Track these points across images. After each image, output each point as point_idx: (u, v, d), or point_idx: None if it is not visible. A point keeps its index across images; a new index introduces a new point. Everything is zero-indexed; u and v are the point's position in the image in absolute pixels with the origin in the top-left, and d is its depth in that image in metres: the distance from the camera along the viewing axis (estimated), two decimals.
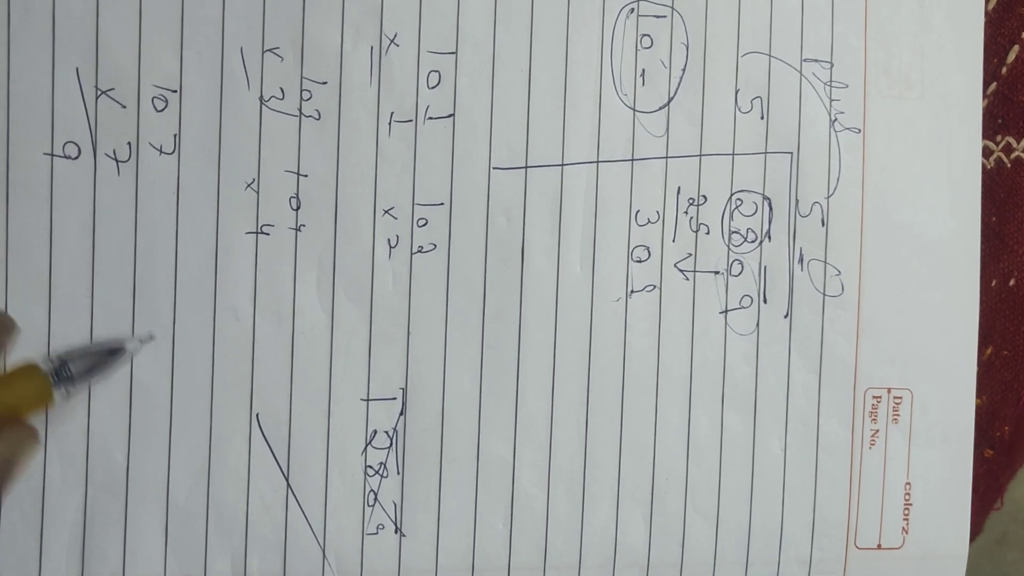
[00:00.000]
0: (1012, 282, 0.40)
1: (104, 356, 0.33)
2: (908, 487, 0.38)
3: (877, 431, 0.38)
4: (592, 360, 0.37)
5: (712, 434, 0.38)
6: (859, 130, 0.38)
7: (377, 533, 0.36)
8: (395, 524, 0.37)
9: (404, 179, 0.36)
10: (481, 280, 0.36)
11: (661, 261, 0.37)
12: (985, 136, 0.39)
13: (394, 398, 0.36)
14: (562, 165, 0.37)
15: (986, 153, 0.40)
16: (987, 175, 0.39)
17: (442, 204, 0.36)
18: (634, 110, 0.37)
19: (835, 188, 0.38)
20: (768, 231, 0.38)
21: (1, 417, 0.30)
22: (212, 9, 0.35)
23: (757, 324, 0.38)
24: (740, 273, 0.38)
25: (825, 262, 0.38)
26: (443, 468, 0.37)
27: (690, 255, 0.37)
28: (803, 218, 0.38)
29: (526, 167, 0.36)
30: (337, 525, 0.36)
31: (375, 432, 0.36)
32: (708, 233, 0.37)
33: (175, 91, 0.35)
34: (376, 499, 0.36)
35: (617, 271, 0.37)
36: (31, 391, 0.31)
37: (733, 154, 0.37)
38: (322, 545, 0.36)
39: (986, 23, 0.38)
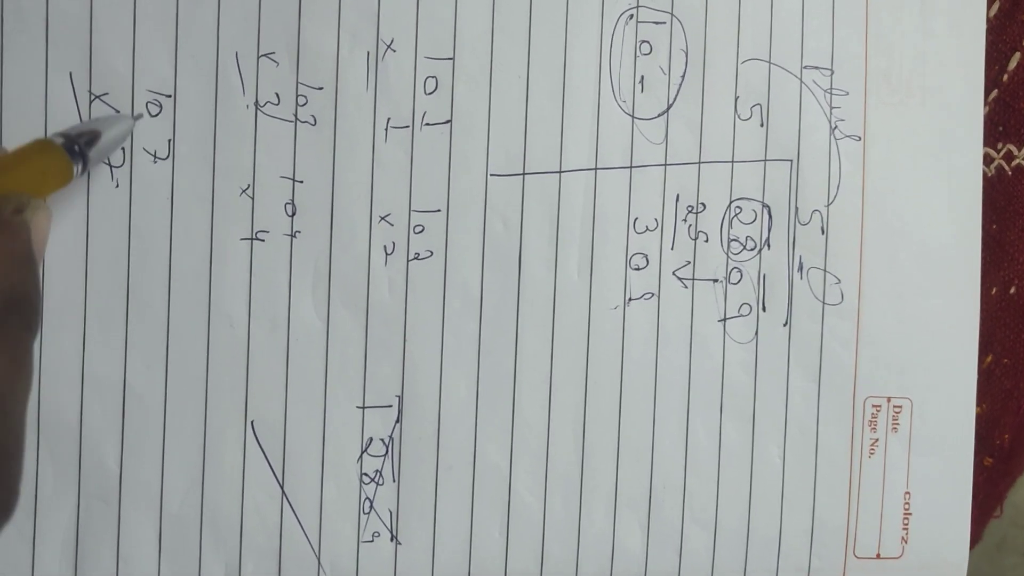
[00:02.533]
0: (1013, 290, 0.40)
1: (106, 126, 0.33)
2: (908, 496, 0.38)
3: (876, 440, 0.38)
4: (589, 368, 0.37)
5: (710, 442, 0.37)
6: (859, 138, 0.37)
7: (372, 541, 0.36)
8: (391, 532, 0.36)
9: (400, 185, 0.36)
10: (478, 287, 0.36)
11: (659, 269, 0.37)
12: (986, 143, 0.39)
13: (390, 405, 0.36)
14: (560, 172, 0.36)
15: (987, 160, 0.39)
16: (988, 183, 0.39)
17: (439, 211, 0.36)
18: (633, 117, 0.37)
19: (835, 196, 0.37)
20: (767, 239, 0.37)
21: (20, 193, 0.28)
22: (207, 13, 0.35)
23: (756, 332, 0.37)
24: (739, 281, 0.37)
25: (825, 270, 0.38)
26: (439, 476, 0.36)
27: (689, 263, 0.37)
28: (803, 226, 0.37)
29: (524, 174, 0.36)
30: (332, 533, 0.36)
31: (371, 439, 0.36)
32: (707, 241, 0.37)
33: (169, 96, 0.35)
34: (372, 507, 0.36)
35: (615, 279, 0.37)
36: (49, 163, 0.30)
37: (732, 161, 0.37)
38: (317, 553, 0.36)
39: (987, 30, 0.38)
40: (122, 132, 0.34)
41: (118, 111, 0.34)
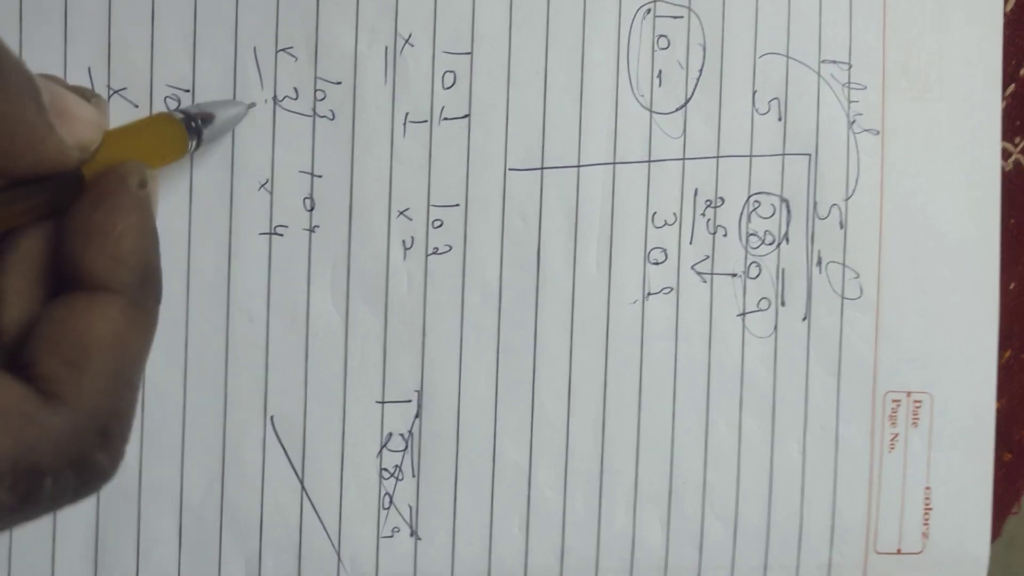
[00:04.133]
0: None
1: (221, 110, 0.33)
2: (928, 491, 0.38)
3: (897, 435, 0.38)
4: (608, 363, 0.37)
5: (730, 437, 0.37)
6: (878, 131, 0.37)
7: (392, 536, 0.36)
8: (410, 527, 0.36)
9: (419, 180, 0.36)
10: (497, 282, 0.36)
11: (678, 263, 0.37)
12: (1003, 138, 0.39)
13: (409, 401, 0.36)
14: (578, 166, 0.36)
15: (1004, 155, 0.39)
16: (1005, 177, 0.39)
17: (457, 205, 0.36)
18: (651, 111, 0.37)
19: (853, 190, 0.37)
20: (786, 233, 0.37)
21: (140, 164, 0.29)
22: (225, 8, 0.35)
23: (775, 327, 0.37)
24: (758, 276, 0.37)
25: (843, 264, 0.37)
26: (459, 471, 0.36)
27: (707, 257, 0.37)
28: (821, 220, 0.37)
29: (542, 168, 0.36)
30: (352, 528, 0.36)
31: (390, 435, 0.36)
32: (725, 235, 0.37)
33: (188, 91, 0.35)
34: (391, 502, 0.36)
35: (634, 273, 0.37)
36: (167, 137, 0.30)
37: (751, 156, 0.37)
38: (337, 548, 0.36)
39: (1004, 24, 0.38)
40: (235, 116, 0.34)
41: (137, 106, 0.34)
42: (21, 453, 0.20)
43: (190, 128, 0.31)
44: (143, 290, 0.23)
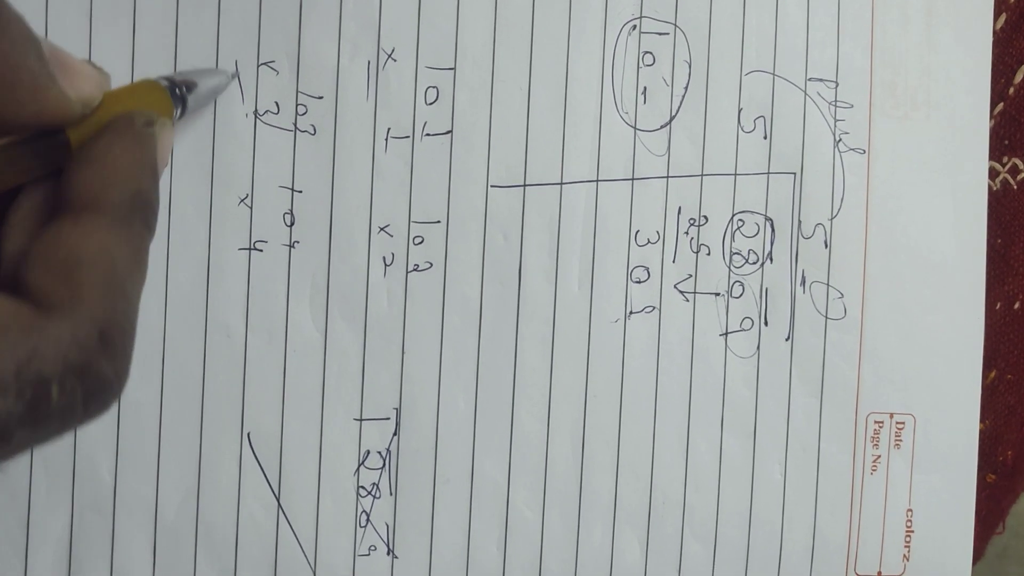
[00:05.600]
0: (1017, 305, 0.40)
1: (205, 78, 0.33)
2: (910, 513, 0.38)
3: (879, 456, 0.38)
4: (589, 382, 0.37)
5: (711, 457, 0.37)
6: (864, 151, 0.37)
7: (369, 555, 0.36)
8: (387, 545, 0.36)
9: (400, 196, 0.35)
10: (477, 299, 0.36)
11: (661, 282, 0.37)
12: (991, 157, 0.38)
13: (388, 418, 0.36)
14: (561, 184, 0.36)
15: (992, 174, 0.39)
16: (993, 197, 0.39)
17: (439, 222, 0.36)
18: (635, 128, 0.36)
19: (839, 209, 0.37)
20: (770, 252, 0.37)
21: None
22: (207, 21, 0.34)
23: (758, 347, 0.37)
24: (741, 295, 0.37)
25: (828, 284, 0.37)
26: (436, 489, 0.36)
27: (690, 276, 0.37)
28: (806, 240, 0.37)
29: (524, 185, 0.36)
30: (328, 546, 0.36)
31: (368, 452, 0.36)
32: (709, 254, 0.37)
33: None
34: (368, 520, 0.36)
35: (616, 292, 0.36)
36: (153, 103, 0.30)
37: (735, 174, 0.37)
38: (313, 566, 0.36)
39: (994, 43, 0.38)
40: (218, 84, 0.34)
41: None
42: (22, 361, 0.21)
43: (174, 95, 0.31)
44: (131, 211, 0.24)
